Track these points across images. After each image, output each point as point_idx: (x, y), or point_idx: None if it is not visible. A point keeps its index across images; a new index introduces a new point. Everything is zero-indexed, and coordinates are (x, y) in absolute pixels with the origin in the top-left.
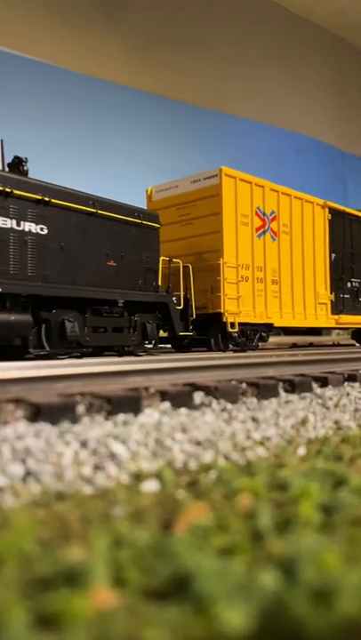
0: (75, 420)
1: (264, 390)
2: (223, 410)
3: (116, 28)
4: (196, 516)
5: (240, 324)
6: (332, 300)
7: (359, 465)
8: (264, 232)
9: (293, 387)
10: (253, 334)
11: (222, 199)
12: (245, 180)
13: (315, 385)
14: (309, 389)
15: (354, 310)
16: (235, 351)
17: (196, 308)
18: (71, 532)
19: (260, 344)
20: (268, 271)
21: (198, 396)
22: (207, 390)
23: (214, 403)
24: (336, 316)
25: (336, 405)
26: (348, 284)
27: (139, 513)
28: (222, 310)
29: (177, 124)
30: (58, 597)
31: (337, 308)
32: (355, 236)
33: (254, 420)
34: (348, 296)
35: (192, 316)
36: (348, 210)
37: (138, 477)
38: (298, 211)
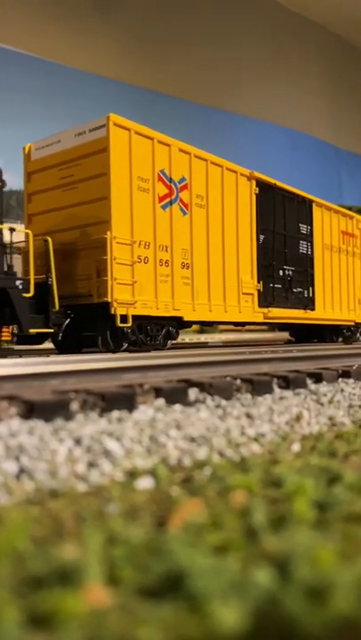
0: (69, 417)
1: (258, 386)
2: (218, 406)
3: (111, 25)
4: (190, 512)
5: (136, 317)
6: (259, 291)
7: (353, 461)
8: (171, 203)
9: (288, 383)
10: (157, 330)
11: (110, 156)
12: (145, 135)
13: (309, 381)
14: (304, 385)
15: (287, 303)
16: (130, 351)
17: (78, 297)
18: (65, 529)
19: (170, 342)
20: (177, 252)
21: (193, 393)
22: (202, 387)
23: (209, 399)
24: (264, 310)
25: (330, 401)
26: (280, 272)
27: (133, 510)
28: (110, 299)
29: (171, 120)
30: (51, 596)
31: (266, 299)
32: (289, 215)
33: (249, 416)
34: (279, 286)
35: (54, 307)
36: (280, 184)
37: (132, 474)
38: (217, 180)
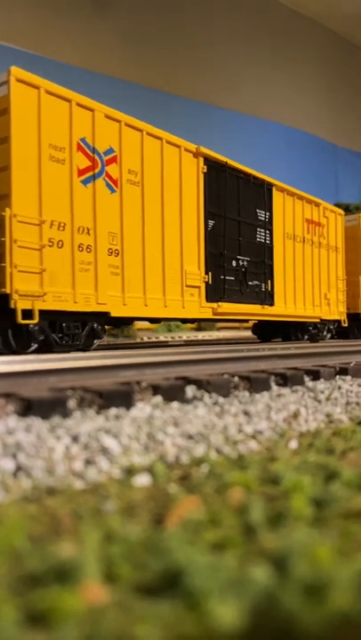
0: (66, 414)
1: (256, 384)
2: (215, 403)
3: (108, 22)
4: (187, 510)
5: (47, 312)
6: (207, 283)
7: (351, 458)
8: (94, 177)
9: (285, 380)
10: (77, 329)
11: (11, 118)
12: (60, 96)
13: (306, 378)
14: (301, 383)
15: (241, 297)
16: (42, 352)
17: None
18: (62, 527)
19: (96, 342)
20: (103, 236)
21: (190, 390)
22: (199, 384)
23: (206, 396)
24: (214, 304)
25: (328, 398)
26: (233, 263)
27: (130, 508)
28: (9, 290)
29: (168, 117)
30: (49, 594)
31: (215, 293)
32: (244, 199)
33: (246, 413)
34: (231, 278)
35: None
36: (233, 163)
37: (130, 472)
38: (155, 154)
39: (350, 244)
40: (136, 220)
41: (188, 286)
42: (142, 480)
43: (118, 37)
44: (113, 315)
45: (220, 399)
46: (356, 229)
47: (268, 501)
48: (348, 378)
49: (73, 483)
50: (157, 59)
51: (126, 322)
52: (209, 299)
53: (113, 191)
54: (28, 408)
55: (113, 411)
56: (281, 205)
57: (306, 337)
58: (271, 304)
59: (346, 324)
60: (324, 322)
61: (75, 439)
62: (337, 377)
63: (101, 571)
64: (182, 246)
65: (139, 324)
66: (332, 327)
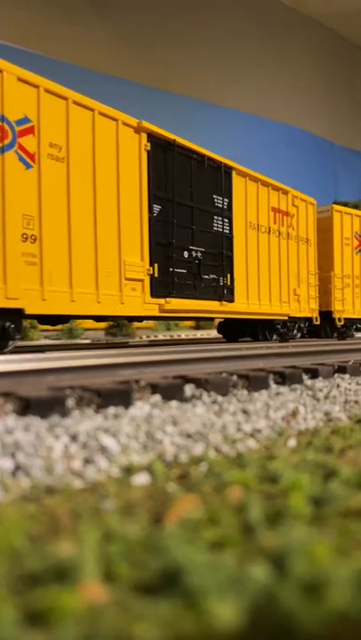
0: (64, 413)
1: (255, 382)
2: (214, 402)
3: (106, 20)
4: (186, 509)
5: None
6: (152, 276)
7: (349, 456)
8: (2, 150)
9: (284, 379)
10: None
11: None
12: None
13: (305, 377)
14: (300, 381)
15: (194, 292)
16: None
17: None
18: (61, 526)
19: (11, 343)
20: (14, 219)
21: (189, 389)
22: (198, 383)
23: (205, 395)
24: (161, 300)
25: (326, 397)
26: (185, 254)
27: (129, 506)
28: None
29: (167, 115)
30: (47, 593)
31: (164, 287)
32: (198, 183)
33: (245, 412)
34: (183, 271)
35: None
36: (183, 141)
37: (128, 471)
38: (84, 127)
39: (322, 237)
40: (60, 202)
41: (128, 279)
42: (141, 479)
43: (117, 36)
44: (28, 312)
45: (219, 398)
46: (329, 221)
47: (267, 500)
48: (347, 376)
49: (72, 482)
50: (156, 57)
51: (55, 320)
52: (155, 294)
53: (29, 167)
54: (27, 407)
55: (112, 410)
56: (243, 191)
57: (275, 336)
58: (231, 300)
59: (318, 322)
60: (294, 320)
61: (73, 438)
62: (335, 375)
63: (100, 570)
64: (120, 234)
65: (136, 324)
66: (302, 325)
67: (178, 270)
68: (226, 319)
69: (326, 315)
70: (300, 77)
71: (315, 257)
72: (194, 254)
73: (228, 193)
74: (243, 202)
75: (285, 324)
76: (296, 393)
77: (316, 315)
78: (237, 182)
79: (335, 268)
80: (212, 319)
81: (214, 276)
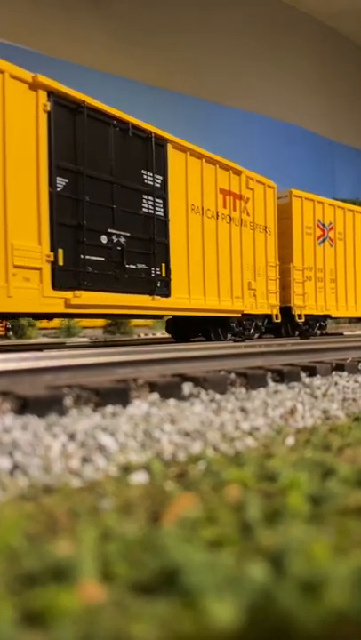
0: (62, 412)
1: (253, 380)
2: (212, 400)
3: (104, 19)
4: (184, 507)
5: None
6: (54, 264)
7: (348, 454)
8: None
9: (282, 376)
10: None
11: None
12: None
13: (303, 374)
14: (298, 379)
15: (116, 285)
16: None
17: None
18: (59, 525)
19: None
20: None
21: (187, 387)
22: (196, 381)
23: (203, 393)
24: (68, 294)
25: (324, 395)
26: (103, 239)
27: (127, 505)
28: None
29: (167, 113)
30: (45, 593)
31: (73, 278)
32: (122, 156)
33: (243, 410)
34: (99, 258)
35: None
36: (98, 104)
37: (126, 469)
38: None
39: (281, 225)
40: None
41: (18, 267)
42: (139, 478)
43: (115, 34)
44: None
45: (217, 396)
46: (288, 208)
47: (265, 498)
48: (345, 374)
49: (70, 481)
50: (154, 55)
51: None
52: (59, 285)
53: None
54: (25, 406)
55: (109, 408)
56: (182, 169)
57: (229, 335)
58: (166, 294)
59: (278, 320)
60: (250, 317)
61: (71, 437)
62: (333, 373)
63: (98, 569)
64: (6, 211)
65: (134, 321)
66: (260, 323)
67: (92, 258)
68: (175, 317)
69: (285, 311)
70: (298, 75)
71: (275, 247)
72: (115, 239)
73: (161, 169)
74: (182, 181)
75: (241, 322)
76: (294, 391)
77: (276, 311)
78: (175, 157)
79: (295, 260)
80: (142, 317)
81: (144, 266)
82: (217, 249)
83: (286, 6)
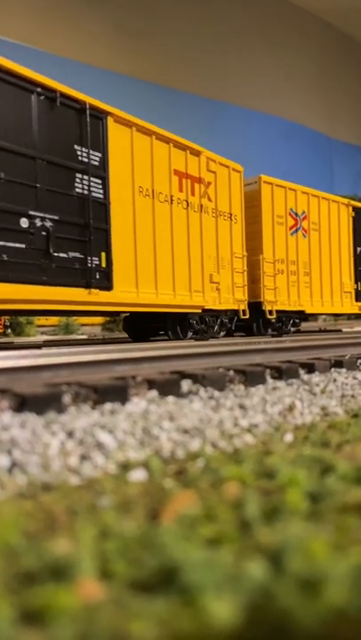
0: (61, 409)
1: (251, 377)
2: (211, 397)
3: (102, 14)
4: (183, 505)
5: None
6: None
7: (346, 451)
8: None
9: (280, 373)
10: None
11: None
12: None
13: (302, 371)
14: (296, 376)
15: (40, 276)
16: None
17: None
18: (57, 523)
19: None
20: None
21: (186, 384)
22: (195, 378)
23: (202, 390)
24: None
25: (323, 391)
26: (23, 222)
27: (126, 503)
28: None
29: (164, 110)
30: (44, 591)
31: None
32: (45, 125)
33: (242, 407)
34: (17, 245)
35: None
36: (15, 66)
37: (125, 467)
38: None
39: (249, 214)
40: None
41: None
42: (138, 475)
43: (112, 30)
44: None
45: (216, 393)
46: (257, 195)
47: (264, 496)
48: (344, 370)
49: (68, 478)
50: (152, 52)
51: None
52: None
53: None
54: (23, 404)
55: (108, 406)
56: (127, 146)
57: (190, 334)
58: (107, 287)
59: (246, 316)
60: (214, 313)
61: (70, 435)
62: (332, 370)
63: (97, 567)
64: None
65: None
66: (226, 320)
67: (8, 244)
68: (132, 314)
69: (255, 307)
70: (296, 71)
71: (242, 236)
72: (39, 223)
73: (99, 145)
74: (127, 160)
75: (204, 319)
76: (293, 387)
77: (243, 307)
78: (117, 133)
79: (265, 251)
80: (77, 313)
81: (77, 255)
82: (172, 237)
83: (284, 1)
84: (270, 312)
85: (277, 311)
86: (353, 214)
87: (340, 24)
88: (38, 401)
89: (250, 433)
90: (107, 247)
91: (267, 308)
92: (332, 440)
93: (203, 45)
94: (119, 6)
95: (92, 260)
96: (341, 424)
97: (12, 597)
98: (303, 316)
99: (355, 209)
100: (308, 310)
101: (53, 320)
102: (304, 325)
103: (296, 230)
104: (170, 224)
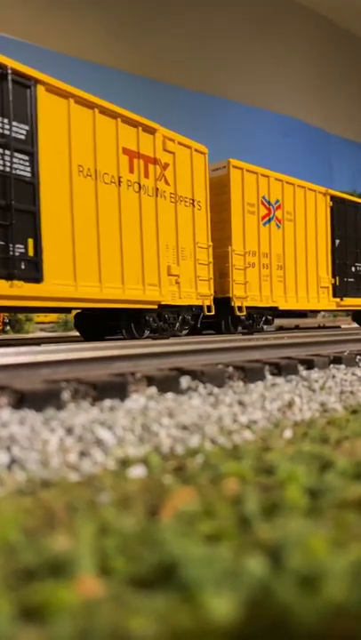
0: (60, 406)
1: (250, 374)
2: (210, 394)
3: (100, 9)
4: (182, 501)
5: None
6: None
7: (345, 447)
8: None
9: (280, 370)
10: None
11: None
12: None
13: (301, 367)
14: (295, 372)
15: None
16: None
17: None
18: (57, 520)
19: None
20: None
21: (185, 381)
22: (194, 374)
23: (201, 387)
24: None
25: (322, 388)
26: None
27: (125, 499)
28: None
29: (159, 105)
30: (43, 588)
31: None
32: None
33: (241, 403)
34: None
35: None
36: None
37: (124, 463)
38: None
39: (217, 202)
40: None
41: None
42: (137, 471)
43: (111, 26)
44: None
45: (215, 389)
46: (226, 180)
47: (263, 492)
48: (343, 367)
49: (67, 475)
50: (150, 47)
51: None
52: None
53: None
54: (22, 400)
55: (107, 402)
56: (63, 119)
57: (147, 332)
58: (36, 279)
59: (212, 312)
60: (175, 310)
61: (69, 431)
62: (331, 366)
63: (96, 564)
64: None
65: None
66: (188, 317)
67: None
68: (84, 310)
69: (223, 303)
70: (295, 67)
71: (207, 225)
72: None
73: (25, 116)
74: (63, 135)
75: (163, 316)
76: (292, 384)
77: (209, 302)
78: (50, 104)
79: (234, 243)
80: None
81: None
82: (120, 223)
83: None
84: (240, 308)
85: (248, 307)
86: (331, 204)
87: (339, 20)
88: (37, 397)
89: (249, 429)
90: (35, 233)
91: (236, 304)
92: (332, 436)
93: (199, 40)
94: (117, 3)
95: (14, 248)
96: (340, 420)
97: (12, 594)
98: (276, 312)
99: (333, 198)
100: (282, 306)
101: (53, 317)
102: (303, 322)
103: (269, 220)
104: (117, 208)
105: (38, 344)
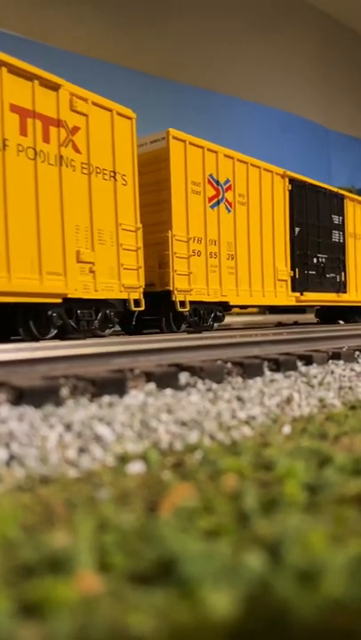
0: (59, 402)
1: (249, 369)
2: (209, 390)
3: (95, 5)
4: (181, 497)
5: None
6: None
7: (344, 443)
8: None
9: (278, 365)
10: None
11: None
12: None
13: (299, 363)
14: (294, 368)
15: None
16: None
17: None
18: (56, 516)
19: None
20: None
21: (184, 377)
22: (193, 370)
23: (200, 383)
24: None
25: (321, 383)
26: None
27: (124, 495)
28: None
29: (156, 100)
30: (42, 584)
31: None
32: None
33: (239, 399)
34: None
35: None
36: None
37: (123, 459)
38: None
39: (154, 179)
40: None
41: None
42: (136, 467)
43: (107, 21)
44: None
45: (214, 385)
46: (165, 154)
47: (262, 487)
48: (341, 362)
49: (66, 471)
50: (150, 43)
51: None
52: None
53: None
54: (21, 397)
55: (106, 398)
56: None
57: (53, 331)
58: None
59: (141, 307)
60: (93, 304)
61: (68, 427)
62: (330, 362)
63: (95, 560)
64: None
65: None
66: (109, 312)
67: None
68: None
69: (163, 296)
70: (293, 62)
71: (134, 203)
72: None
73: None
74: None
75: (73, 312)
76: (290, 380)
77: (137, 296)
78: None
79: (175, 227)
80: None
81: None
82: (4, 196)
83: None
84: (182, 304)
85: (193, 302)
86: (290, 187)
87: (339, 15)
88: (36, 394)
89: (248, 425)
90: None
91: (178, 298)
92: (330, 432)
93: (198, 35)
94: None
95: None
96: (339, 416)
97: (11, 590)
98: (227, 308)
99: (292, 181)
100: (233, 302)
101: None
102: (301, 318)
103: (218, 203)
104: (1, 178)
105: (37, 340)
